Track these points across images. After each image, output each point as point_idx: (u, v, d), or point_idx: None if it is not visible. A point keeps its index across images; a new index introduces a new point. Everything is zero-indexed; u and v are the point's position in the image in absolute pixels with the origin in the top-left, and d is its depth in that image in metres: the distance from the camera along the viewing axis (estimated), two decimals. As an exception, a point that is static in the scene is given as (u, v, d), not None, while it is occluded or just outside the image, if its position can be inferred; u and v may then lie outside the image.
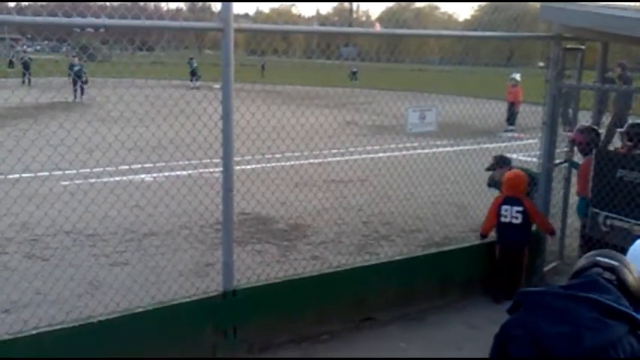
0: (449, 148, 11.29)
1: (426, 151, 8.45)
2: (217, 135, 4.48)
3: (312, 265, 5.31)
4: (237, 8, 3.88)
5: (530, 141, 10.57)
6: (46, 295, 4.76)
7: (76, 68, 20.54)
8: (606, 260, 1.96)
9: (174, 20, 4.14)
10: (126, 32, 4.54)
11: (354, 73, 31.21)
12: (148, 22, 3.74)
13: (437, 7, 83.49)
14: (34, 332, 3.42)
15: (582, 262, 2.02)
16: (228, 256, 4.10)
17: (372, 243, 6.75)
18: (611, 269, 1.92)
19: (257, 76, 30.11)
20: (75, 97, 20.43)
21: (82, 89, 20.41)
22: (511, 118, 16.47)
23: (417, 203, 7.71)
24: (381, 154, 10.50)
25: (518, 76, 17.40)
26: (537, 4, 5.95)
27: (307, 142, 7.53)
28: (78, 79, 20.25)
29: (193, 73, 27.23)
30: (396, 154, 9.80)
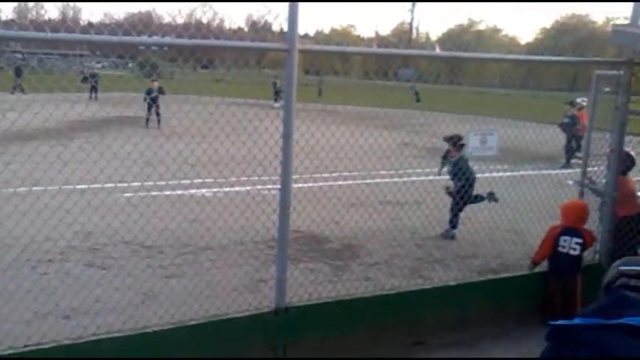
0: (508, 173, 11.02)
1: (485, 175, 8.27)
2: (277, 153, 4.55)
3: (364, 287, 5.27)
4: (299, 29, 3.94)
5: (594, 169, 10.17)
6: (105, 303, 4.91)
7: (154, 94, 19.23)
8: (630, 268, 1.94)
9: (240, 40, 4.23)
10: (191, 50, 4.67)
11: (417, 94, 31.02)
12: (217, 42, 3.84)
13: (499, 30, 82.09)
14: (92, 339, 3.52)
15: (609, 274, 2.00)
16: (282, 273, 4.12)
17: (426, 266, 6.64)
18: (637, 276, 1.90)
19: (314, 95, 30.48)
20: (148, 119, 19.61)
21: (158, 115, 19.54)
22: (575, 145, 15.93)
23: (473, 228, 7.55)
24: (438, 177, 10.37)
25: (583, 101, 16.87)
26: (604, 27, 5.82)
27: (363, 162, 7.53)
28: (153, 103, 19.37)
29: (277, 93, 27.63)
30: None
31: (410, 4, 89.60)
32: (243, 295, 5.07)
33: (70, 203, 7.09)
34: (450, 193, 7.75)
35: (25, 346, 3.40)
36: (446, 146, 8.07)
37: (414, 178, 10.68)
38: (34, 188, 8.32)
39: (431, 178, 10.60)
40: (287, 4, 3.81)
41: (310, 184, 9.55)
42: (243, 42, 4.18)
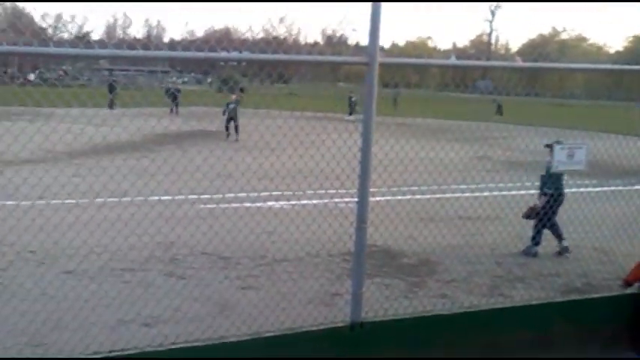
0: (595, 189, 10.50)
1: (573, 190, 7.90)
2: (344, 167, 4.52)
3: (441, 304, 5.13)
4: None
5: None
6: (185, 313, 5.02)
7: (232, 106, 20.00)
8: None
9: (316, 54, 4.25)
10: (265, 65, 4.73)
11: (499, 107, 30.18)
12: (298, 57, 3.88)
13: (585, 39, 78.73)
14: (173, 347, 3.59)
15: None
16: (358, 288, 4.06)
17: (506, 284, 6.38)
18: None
19: (388, 108, 30.33)
20: (228, 134, 20.08)
21: (237, 128, 20.08)
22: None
23: (556, 245, 7.22)
24: (514, 192, 10.01)
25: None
26: None
27: (438, 176, 7.37)
28: (233, 116, 20.12)
29: (352, 106, 27.92)
30: (532, 192, 9.28)
31: (489, 15, 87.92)
32: (318, 308, 5.06)
33: (144, 214, 7.38)
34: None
35: (110, 351, 3.51)
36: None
37: (488, 193, 10.36)
38: (119, 199, 8.71)
39: (505, 193, 10.26)
40: (368, 17, 3.81)
41: (383, 198, 9.47)
42: (324, 56, 4.20)
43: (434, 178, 7.08)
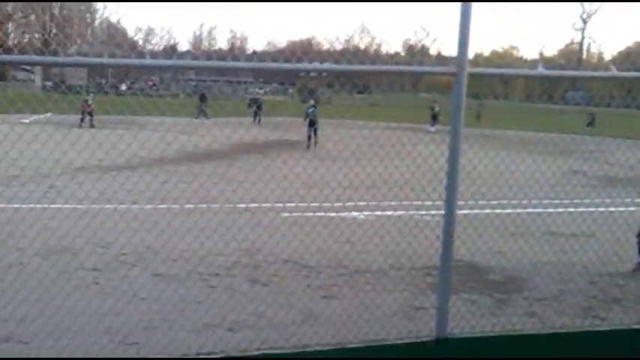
0: None
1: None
2: (431, 178, 4.43)
3: (530, 323, 4.91)
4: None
5: None
6: (269, 319, 5.09)
7: (311, 110, 20.52)
8: None
9: (395, 64, 4.21)
10: (349, 76, 4.73)
11: (593, 119, 28.81)
12: (383, 67, 3.85)
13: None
14: (257, 353, 3.64)
15: None
16: (444, 302, 3.97)
17: (601, 306, 6.02)
18: None
19: (471, 119, 29.60)
20: (309, 144, 20.26)
21: (316, 130, 20.23)
22: None
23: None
24: (612, 209, 9.46)
25: None
26: None
27: (527, 190, 7.12)
28: (313, 119, 20.38)
29: (434, 117, 27.62)
30: (631, 209, 8.75)
31: (580, 22, 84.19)
32: (402, 321, 4.98)
33: (230, 221, 7.57)
34: None
35: (198, 354, 3.60)
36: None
37: (582, 209, 9.86)
38: (208, 205, 9.00)
39: (601, 209, 9.72)
40: (451, 28, 3.74)
41: (467, 211, 9.19)
42: (410, 66, 4.15)
43: (525, 191, 6.85)
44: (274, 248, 6.94)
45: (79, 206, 8.82)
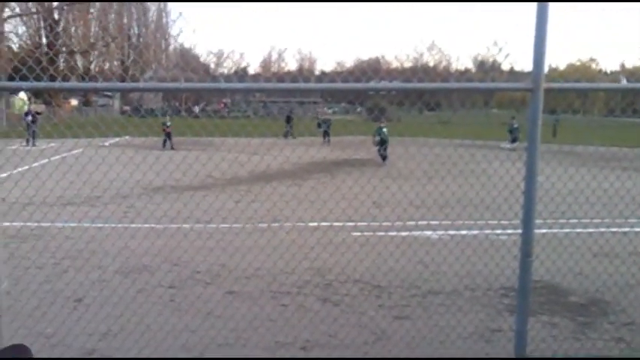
0: None
1: None
2: (506, 196, 4.28)
3: (618, 349, 4.63)
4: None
5: None
6: (341, 339, 5.05)
7: (383, 130, 20.78)
8: None
9: (468, 81, 4.12)
10: (418, 94, 4.69)
11: None
12: (455, 85, 3.81)
13: None
14: (330, 373, 3.61)
15: None
16: (523, 325, 3.82)
17: (696, 333, 5.61)
18: None
19: (547, 135, 28.59)
20: (383, 160, 20.42)
21: (385, 149, 20.48)
22: None
23: None
24: None
25: None
26: None
27: (610, 208, 6.76)
28: (383, 142, 20.60)
29: (511, 133, 26.88)
30: None
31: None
32: (478, 343, 4.82)
33: (302, 240, 7.61)
34: None
35: (272, 373, 3.62)
36: None
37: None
38: (280, 224, 9.12)
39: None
40: (531, 42, 3.66)
41: (545, 230, 8.86)
42: (483, 83, 4.07)
43: (608, 210, 6.51)
44: (346, 268, 6.92)
45: (157, 226, 9.15)
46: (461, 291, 6.65)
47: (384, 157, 20.19)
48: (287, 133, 31.75)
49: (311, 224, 9.35)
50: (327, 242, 7.86)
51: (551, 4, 3.59)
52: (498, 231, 8.45)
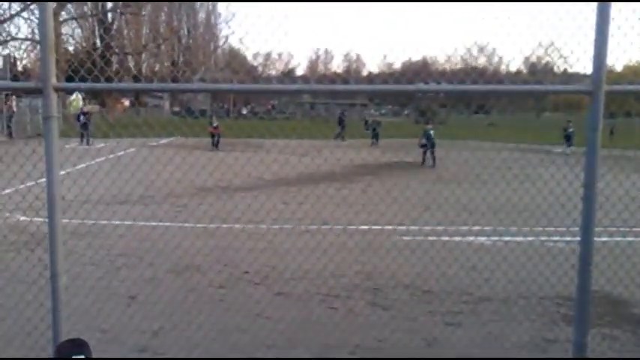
0: None
1: None
2: (563, 202, 4.12)
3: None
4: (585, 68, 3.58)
5: None
6: (392, 344, 4.99)
7: (431, 132, 20.78)
8: None
9: (518, 83, 3.99)
10: (464, 96, 4.58)
11: None
12: (514, 87, 3.70)
13: None
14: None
15: None
16: (582, 336, 3.67)
17: None
18: None
19: (604, 139, 27.29)
20: (423, 161, 20.78)
21: (433, 155, 20.57)
22: None
23: None
24: None
25: None
26: None
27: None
28: (430, 144, 20.63)
29: (568, 138, 26.12)
30: None
31: None
32: (532, 353, 4.68)
33: (352, 243, 7.56)
34: None
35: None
36: None
37: None
38: (329, 227, 9.10)
39: None
40: (590, 42, 3.52)
41: (617, 239, 8.51)
42: (539, 85, 3.94)
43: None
44: (396, 272, 6.84)
45: (209, 225, 9.28)
46: (515, 299, 6.47)
47: (433, 160, 20.09)
48: (338, 134, 31.78)
49: (362, 227, 9.30)
50: (377, 246, 7.79)
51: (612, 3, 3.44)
52: (555, 238, 8.18)
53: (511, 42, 3.71)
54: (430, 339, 5.33)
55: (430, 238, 8.75)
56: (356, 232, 9.09)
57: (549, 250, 7.80)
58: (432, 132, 20.80)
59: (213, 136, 25.55)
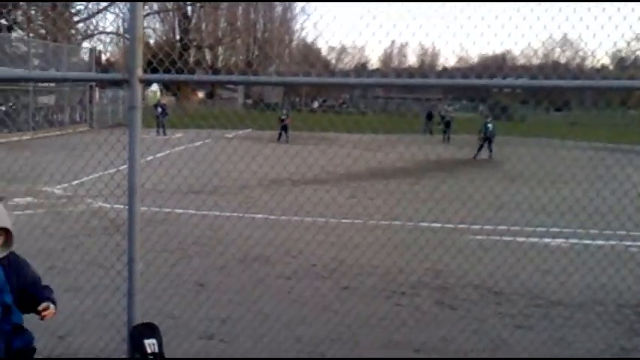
0: None
1: None
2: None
3: None
4: None
5: None
6: (459, 345, 4.89)
7: (489, 126, 21.13)
8: None
9: (604, 79, 3.77)
10: (546, 92, 4.39)
11: None
12: (604, 82, 3.52)
13: None
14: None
15: None
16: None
17: None
18: None
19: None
20: (490, 155, 21.06)
21: (490, 148, 21.14)
22: None
23: None
24: None
25: None
26: None
27: None
28: (490, 138, 21.11)
29: None
30: None
31: None
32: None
33: (423, 240, 7.45)
34: None
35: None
36: None
37: None
38: (391, 222, 9.02)
39: None
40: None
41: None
42: (627, 81, 3.72)
43: None
44: (467, 272, 6.68)
45: (271, 217, 9.41)
46: (591, 305, 6.19)
47: (490, 152, 20.50)
48: (425, 129, 31.39)
49: (422, 224, 9.17)
50: (450, 244, 7.65)
51: None
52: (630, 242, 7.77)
53: (598, 36, 3.53)
54: (499, 341, 5.19)
55: (505, 238, 8.51)
56: (428, 229, 8.97)
57: (633, 255, 7.39)
58: (490, 125, 20.89)
59: (282, 127, 25.87)
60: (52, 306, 2.72)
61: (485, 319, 5.64)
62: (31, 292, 2.76)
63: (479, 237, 8.58)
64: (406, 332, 5.17)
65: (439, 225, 8.87)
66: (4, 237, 2.68)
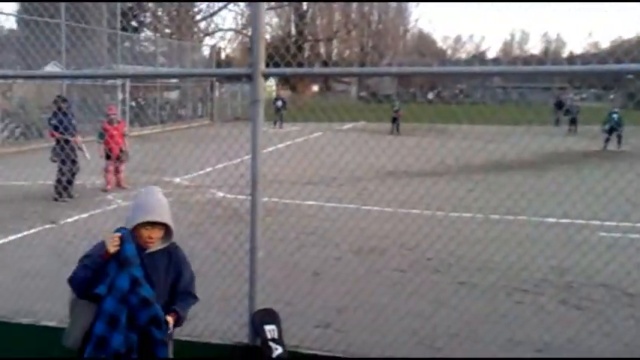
0: None
1: None
2: None
3: None
4: None
5: None
6: (585, 347, 4.61)
7: (615, 116, 19.99)
8: None
9: None
10: None
11: None
12: None
13: None
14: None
15: None
16: None
17: None
18: None
19: None
20: (619, 146, 19.93)
21: (619, 138, 19.95)
22: None
23: None
24: None
25: None
26: None
27: None
28: (616, 129, 20.09)
29: None
30: None
31: None
32: None
33: (537, 234, 7.07)
34: None
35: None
36: None
37: None
38: (514, 217, 8.64)
39: None
40: None
41: None
42: None
43: None
44: (588, 269, 6.25)
45: (387, 209, 9.36)
46: None
47: (618, 143, 19.66)
48: (557, 120, 29.80)
49: (549, 219, 8.69)
50: (566, 240, 7.21)
51: None
52: None
53: None
54: (632, 346, 4.82)
55: (631, 235, 7.90)
56: (543, 223, 8.52)
57: None
58: (615, 115, 19.84)
59: (394, 119, 25.69)
60: (171, 324, 2.86)
61: (614, 321, 5.26)
62: (171, 297, 2.96)
63: (614, 234, 7.99)
64: (529, 331, 4.96)
65: (568, 220, 8.36)
66: (164, 230, 2.89)
